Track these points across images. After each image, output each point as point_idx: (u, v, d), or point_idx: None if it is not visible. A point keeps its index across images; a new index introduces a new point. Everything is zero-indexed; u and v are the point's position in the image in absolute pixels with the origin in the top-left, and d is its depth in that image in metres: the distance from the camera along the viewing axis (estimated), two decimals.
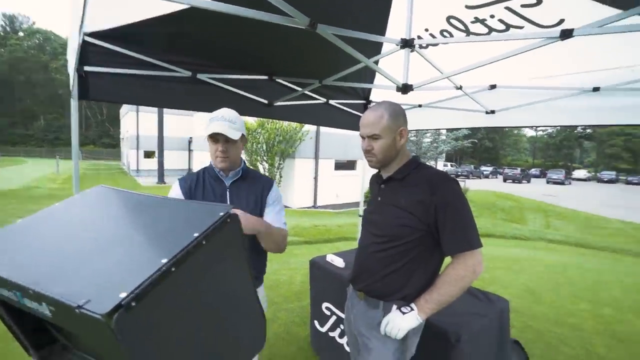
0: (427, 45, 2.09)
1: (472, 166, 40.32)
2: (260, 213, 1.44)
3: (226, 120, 1.35)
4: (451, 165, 36.64)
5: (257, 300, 0.86)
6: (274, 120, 11.23)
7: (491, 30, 1.84)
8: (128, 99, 2.27)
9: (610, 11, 1.35)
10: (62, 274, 0.58)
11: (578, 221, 11.56)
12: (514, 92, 2.62)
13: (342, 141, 12.66)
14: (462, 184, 19.47)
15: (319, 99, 2.93)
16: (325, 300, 2.39)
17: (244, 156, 1.50)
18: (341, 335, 2.25)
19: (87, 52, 1.85)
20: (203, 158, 17.11)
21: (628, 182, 34.50)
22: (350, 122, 3.32)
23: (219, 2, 1.20)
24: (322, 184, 12.74)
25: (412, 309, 1.22)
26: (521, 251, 6.71)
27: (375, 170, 1.46)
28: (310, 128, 11.93)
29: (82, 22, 1.42)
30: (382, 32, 2.05)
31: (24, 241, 0.70)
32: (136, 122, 21.38)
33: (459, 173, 33.38)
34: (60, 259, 0.63)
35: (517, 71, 2.35)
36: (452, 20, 1.88)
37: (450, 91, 2.62)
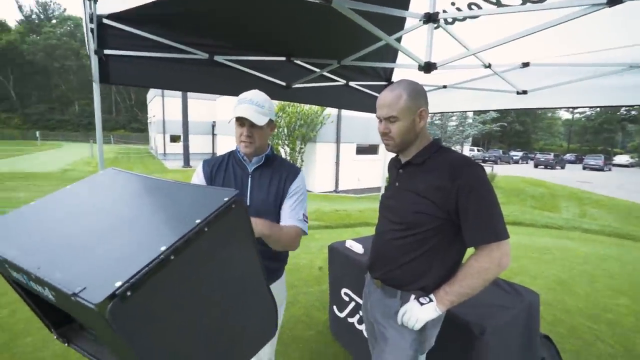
0: (454, 21, 1.94)
1: (501, 151, 38.54)
2: (279, 203, 1.36)
3: (254, 104, 1.27)
4: (478, 150, 35.23)
5: (267, 288, 0.84)
6: (295, 104, 11.15)
7: (526, 0, 1.67)
8: (147, 82, 2.29)
9: None
10: (64, 260, 0.58)
11: (617, 210, 10.81)
12: (549, 70, 2.41)
13: (364, 125, 12.42)
14: (488, 170, 18.78)
15: (338, 81, 2.84)
16: (344, 286, 2.38)
17: None
18: (360, 322, 2.24)
19: (105, 35, 1.86)
20: (227, 142, 17.38)
21: None
22: (371, 105, 3.20)
23: None
24: (343, 169, 12.64)
25: (431, 300, 1.16)
26: (553, 240, 6.39)
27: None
28: (331, 111, 11.76)
29: (91, 1, 1.41)
30: (404, 6, 1.91)
31: (33, 224, 0.71)
32: (162, 106, 21.95)
33: (486, 158, 32.07)
34: (64, 244, 0.63)
35: (553, 46, 2.15)
36: None
37: (477, 70, 2.45)
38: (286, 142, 11.86)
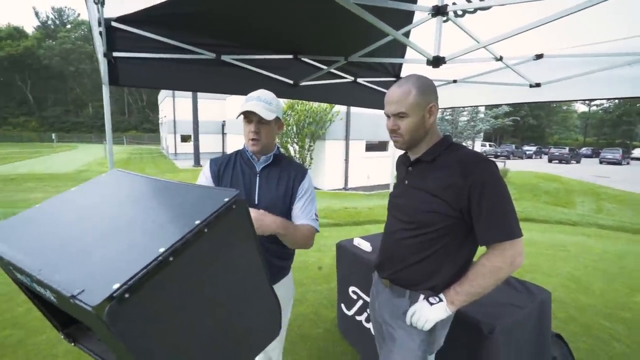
0: (463, 13, 1.89)
1: (514, 146, 37.75)
2: (289, 203, 1.37)
3: (261, 101, 1.29)
4: (490, 145, 34.63)
5: (270, 288, 0.83)
6: (304, 102, 11.14)
7: None
8: (156, 83, 2.31)
9: None
10: (64, 262, 0.58)
11: (636, 205, 10.47)
12: (564, 62, 2.33)
13: (373, 121, 12.34)
14: (501, 165, 18.41)
15: (346, 78, 2.82)
16: (352, 284, 2.36)
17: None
18: (368, 320, 2.22)
19: (114, 38, 1.88)
20: (237, 141, 17.54)
21: None
22: (380, 102, 3.12)
23: None
24: (352, 166, 12.60)
25: (440, 300, 1.14)
26: (567, 237, 6.23)
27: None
28: (340, 109, 11.72)
29: (99, 4, 1.42)
30: None
31: (37, 227, 0.71)
32: (172, 107, 22.25)
33: (499, 153, 31.47)
34: (65, 246, 0.63)
35: (567, 37, 2.07)
36: None
37: (488, 63, 2.39)
38: (295, 140, 11.88)
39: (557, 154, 28.61)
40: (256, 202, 1.35)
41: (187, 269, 0.61)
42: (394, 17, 1.72)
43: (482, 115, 15.95)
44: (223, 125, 23.03)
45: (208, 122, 22.36)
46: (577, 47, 2.17)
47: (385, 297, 1.33)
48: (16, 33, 51.18)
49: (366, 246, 2.31)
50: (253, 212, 1.19)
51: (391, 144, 1.33)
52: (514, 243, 1.05)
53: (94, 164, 17.81)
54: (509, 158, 30.13)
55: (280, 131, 1.43)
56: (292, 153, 11.97)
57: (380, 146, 13.52)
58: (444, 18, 1.69)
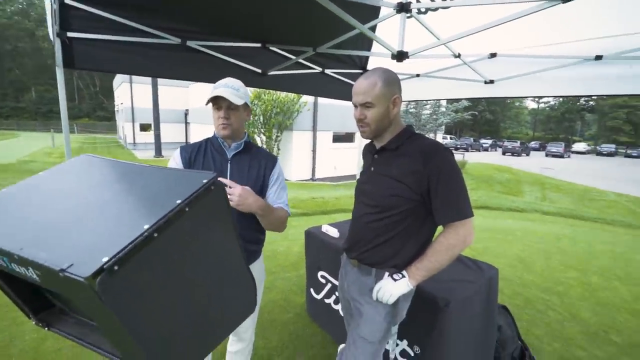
0: (426, 11, 2.00)
1: (472, 139, 40.09)
2: (260, 189, 1.42)
3: (229, 87, 1.33)
4: (450, 138, 36.41)
5: (246, 266, 0.87)
6: (271, 91, 10.97)
7: None
8: (117, 68, 2.20)
9: None
10: (46, 240, 0.58)
11: (574, 194, 11.64)
12: (514, 61, 2.54)
13: (341, 113, 12.48)
14: (460, 157, 19.47)
15: (314, 68, 2.85)
16: (321, 269, 2.45)
17: None
18: (336, 302, 2.33)
19: (68, 17, 1.76)
20: (200, 131, 16.91)
21: (627, 155, 34.52)
22: (347, 93, 3.21)
23: None
24: (320, 157, 12.70)
25: (403, 276, 1.25)
26: (515, 223, 6.82)
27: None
28: (308, 99, 11.70)
29: None
30: None
31: (8, 209, 0.70)
32: (130, 93, 20.88)
33: (458, 146, 33.24)
34: (45, 226, 0.63)
35: (518, 39, 2.27)
36: None
37: (448, 60, 2.54)
38: (262, 130, 11.72)
39: (510, 147, 30.90)
40: None
41: (170, 246, 0.63)
42: (360, 11, 1.78)
43: (443, 109, 16.72)
44: (186, 114, 22.03)
45: (170, 111, 21.25)
46: (528, 48, 2.37)
47: (353, 276, 1.42)
48: None
49: (334, 232, 2.41)
50: (239, 187, 1.23)
51: (358, 135, 1.41)
52: (466, 222, 1.18)
53: (39, 153, 16.32)
54: (467, 150, 31.95)
55: (249, 118, 1.47)
56: (260, 143, 11.80)
57: (347, 137, 13.72)
58: (408, 14, 1.78)
